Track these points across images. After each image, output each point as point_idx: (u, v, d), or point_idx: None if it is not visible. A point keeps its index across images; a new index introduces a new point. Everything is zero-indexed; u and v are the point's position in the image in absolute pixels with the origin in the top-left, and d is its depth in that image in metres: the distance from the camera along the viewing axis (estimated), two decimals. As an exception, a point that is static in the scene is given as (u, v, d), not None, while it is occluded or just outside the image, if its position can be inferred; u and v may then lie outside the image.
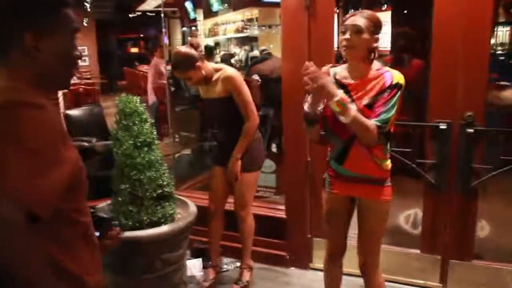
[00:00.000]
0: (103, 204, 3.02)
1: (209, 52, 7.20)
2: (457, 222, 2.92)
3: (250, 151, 2.96)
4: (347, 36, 2.04)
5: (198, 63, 2.79)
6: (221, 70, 2.88)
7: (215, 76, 2.88)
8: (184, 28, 13.52)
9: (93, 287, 1.20)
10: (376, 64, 2.15)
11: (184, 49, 2.84)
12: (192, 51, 2.80)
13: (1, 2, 1.07)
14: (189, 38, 13.14)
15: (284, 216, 3.36)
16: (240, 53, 9.51)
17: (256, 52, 8.57)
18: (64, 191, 1.04)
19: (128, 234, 2.67)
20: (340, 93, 1.99)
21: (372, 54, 2.10)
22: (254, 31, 8.63)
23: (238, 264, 3.32)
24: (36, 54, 1.09)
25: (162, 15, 6.26)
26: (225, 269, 3.43)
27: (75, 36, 1.19)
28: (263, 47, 7.66)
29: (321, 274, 2.60)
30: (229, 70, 2.89)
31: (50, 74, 1.14)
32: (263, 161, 3.12)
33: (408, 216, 3.96)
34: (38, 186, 0.95)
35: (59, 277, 1.08)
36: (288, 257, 3.37)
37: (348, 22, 2.05)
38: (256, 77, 6.36)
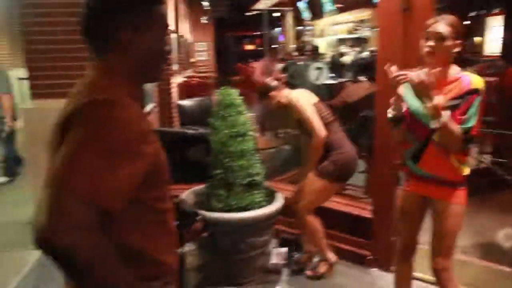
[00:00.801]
0: (200, 187, 3.30)
1: (315, 52, 7.30)
2: None
3: (330, 160, 3.08)
4: (431, 43, 2.08)
5: (273, 93, 3.16)
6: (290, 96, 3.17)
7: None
8: (298, 28, 13.74)
9: (170, 270, 1.26)
10: (455, 69, 2.16)
11: (266, 80, 3.27)
12: (271, 82, 3.20)
13: (107, 1, 1.16)
14: (302, 37, 13.35)
15: (370, 216, 3.39)
16: (350, 53, 9.51)
17: (366, 53, 8.52)
18: (141, 183, 1.08)
19: (218, 215, 2.92)
20: (438, 98, 2.04)
21: (452, 58, 2.13)
22: (365, 32, 8.60)
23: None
24: (132, 49, 1.16)
25: (278, 14, 6.47)
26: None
27: (166, 32, 1.26)
28: (372, 48, 7.60)
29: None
30: (291, 95, 3.18)
31: (143, 68, 1.20)
32: (338, 175, 3.14)
33: (502, 230, 3.75)
34: (108, 183, 0.99)
35: (139, 264, 1.15)
36: (371, 257, 3.40)
37: (431, 29, 2.10)
38: (363, 78, 6.37)
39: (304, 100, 3.15)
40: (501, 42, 4.73)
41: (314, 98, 3.21)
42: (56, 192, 0.95)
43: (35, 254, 3.63)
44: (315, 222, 3.18)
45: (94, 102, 1.06)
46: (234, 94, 3.02)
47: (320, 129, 3.03)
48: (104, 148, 1.00)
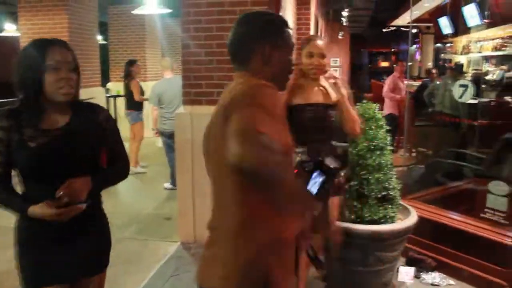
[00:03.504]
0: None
1: (459, 70, 6.99)
2: None
3: None
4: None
5: None
6: None
7: None
8: (438, 44, 13.21)
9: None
10: None
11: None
12: None
13: (253, 27, 1.52)
14: (441, 55, 12.82)
15: (510, 243, 3.19)
16: (495, 72, 8.91)
17: (514, 72, 7.94)
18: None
19: (349, 226, 2.98)
20: None
21: None
22: (515, 49, 8.01)
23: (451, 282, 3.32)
24: (269, 61, 1.50)
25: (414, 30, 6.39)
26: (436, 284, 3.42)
27: (292, 51, 1.59)
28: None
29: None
30: None
31: (275, 78, 1.53)
32: None
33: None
34: (271, 129, 1.32)
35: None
36: (507, 287, 3.19)
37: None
38: (508, 98, 5.99)
39: None
40: None
41: None
42: (250, 133, 1.28)
43: (174, 246, 4.03)
44: None
45: (252, 85, 1.46)
46: (374, 108, 3.08)
47: None
48: (265, 108, 1.36)
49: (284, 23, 1.58)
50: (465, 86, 4.31)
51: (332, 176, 1.65)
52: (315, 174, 1.70)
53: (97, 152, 1.85)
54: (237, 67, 1.55)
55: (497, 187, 3.49)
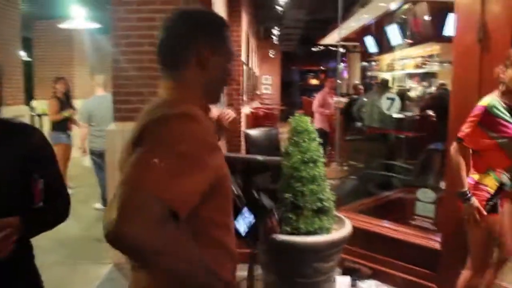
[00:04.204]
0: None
1: (385, 85, 7.32)
2: None
3: None
4: None
5: None
6: None
7: None
8: (364, 63, 13.78)
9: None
10: None
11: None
12: None
13: (190, 23, 1.29)
14: (368, 72, 13.38)
15: (438, 247, 3.34)
16: (417, 88, 9.42)
17: (434, 88, 8.43)
18: (203, 194, 1.14)
19: (285, 238, 2.98)
20: None
21: None
22: (434, 67, 8.51)
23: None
24: (207, 66, 1.27)
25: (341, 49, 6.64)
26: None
27: (233, 55, 1.37)
28: (441, 81, 7.52)
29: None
30: None
31: (210, 87, 1.31)
32: None
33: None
34: (177, 186, 1.05)
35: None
36: (437, 289, 3.33)
37: None
38: (430, 112, 6.31)
39: None
40: None
41: None
42: (127, 188, 1.02)
43: (106, 268, 3.85)
44: None
45: (170, 115, 1.17)
46: (307, 121, 3.13)
47: None
48: (175, 154, 1.08)
49: (226, 25, 1.36)
50: (392, 99, 4.51)
51: (265, 216, 1.48)
52: (245, 210, 1.48)
53: (25, 185, 1.46)
54: (166, 74, 1.30)
55: (425, 194, 3.65)
